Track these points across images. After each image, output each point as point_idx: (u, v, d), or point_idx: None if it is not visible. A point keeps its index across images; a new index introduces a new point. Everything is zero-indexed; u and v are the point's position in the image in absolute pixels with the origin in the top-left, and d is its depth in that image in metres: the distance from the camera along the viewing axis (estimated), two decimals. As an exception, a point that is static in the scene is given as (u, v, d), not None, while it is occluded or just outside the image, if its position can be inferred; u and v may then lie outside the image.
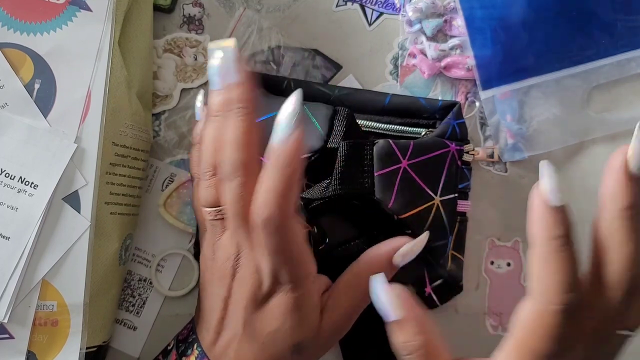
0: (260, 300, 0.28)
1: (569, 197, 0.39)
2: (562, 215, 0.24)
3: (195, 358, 0.30)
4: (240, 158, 0.27)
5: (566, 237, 0.24)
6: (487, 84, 0.38)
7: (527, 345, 0.25)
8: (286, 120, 0.25)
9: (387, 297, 0.26)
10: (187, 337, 0.32)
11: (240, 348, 0.29)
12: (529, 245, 0.27)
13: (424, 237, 0.30)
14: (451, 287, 0.37)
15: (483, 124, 0.39)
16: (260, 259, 0.27)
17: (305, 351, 0.29)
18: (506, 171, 0.39)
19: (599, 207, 0.25)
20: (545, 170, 0.24)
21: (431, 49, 0.39)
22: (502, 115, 0.39)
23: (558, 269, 0.24)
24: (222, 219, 0.29)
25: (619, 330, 0.25)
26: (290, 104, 0.26)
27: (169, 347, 0.33)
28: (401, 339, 0.26)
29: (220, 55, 0.27)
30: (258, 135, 0.27)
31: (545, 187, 0.24)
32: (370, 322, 0.35)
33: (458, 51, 0.39)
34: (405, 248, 0.30)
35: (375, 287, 0.27)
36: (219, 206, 0.29)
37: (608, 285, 0.24)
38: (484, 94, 0.38)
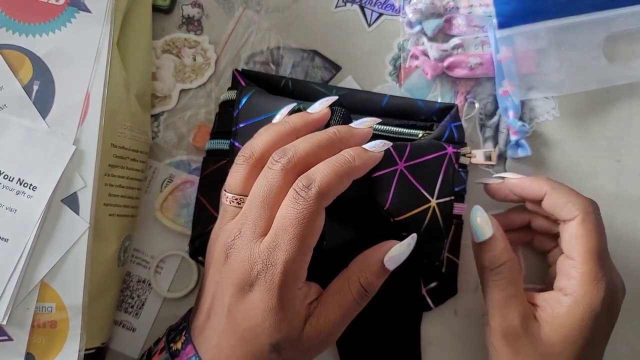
0: (245, 288, 0.28)
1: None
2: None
3: (182, 344, 0.30)
4: (306, 152, 0.29)
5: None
6: (504, 23, 0.37)
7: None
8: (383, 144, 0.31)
9: (483, 218, 0.32)
10: (179, 325, 0.32)
11: (221, 338, 0.29)
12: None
13: (412, 239, 0.30)
14: (445, 290, 0.37)
15: (483, 125, 0.39)
16: (271, 233, 0.28)
17: (284, 352, 0.29)
18: (505, 171, 0.39)
19: None
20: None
21: (433, 50, 0.39)
22: (504, 112, 0.39)
23: None
24: (237, 207, 0.30)
25: None
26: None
27: (161, 336, 0.33)
28: (490, 254, 0.32)
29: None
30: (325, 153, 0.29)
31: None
32: (368, 323, 0.35)
33: (460, 50, 0.39)
34: (394, 250, 0.30)
35: (473, 211, 0.33)
36: (240, 195, 0.30)
37: None
38: (500, 33, 0.37)
